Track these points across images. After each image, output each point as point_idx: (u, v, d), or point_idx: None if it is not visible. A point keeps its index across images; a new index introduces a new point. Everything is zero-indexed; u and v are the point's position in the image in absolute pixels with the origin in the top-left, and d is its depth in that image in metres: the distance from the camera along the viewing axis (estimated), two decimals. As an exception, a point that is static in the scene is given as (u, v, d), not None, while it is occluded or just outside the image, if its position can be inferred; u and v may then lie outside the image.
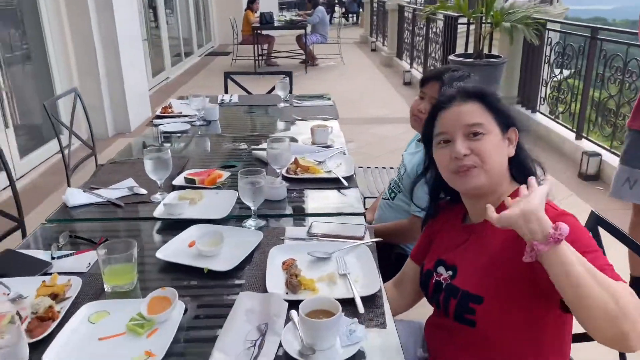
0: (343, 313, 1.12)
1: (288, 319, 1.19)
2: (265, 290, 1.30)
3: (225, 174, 2.08)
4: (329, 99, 3.53)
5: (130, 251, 1.34)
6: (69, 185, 3.15)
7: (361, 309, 1.22)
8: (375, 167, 3.34)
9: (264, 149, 2.22)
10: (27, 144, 4.70)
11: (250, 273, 1.42)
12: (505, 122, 1.27)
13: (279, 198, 1.88)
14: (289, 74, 3.96)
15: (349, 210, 1.82)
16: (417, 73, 8.22)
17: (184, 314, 1.23)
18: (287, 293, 1.30)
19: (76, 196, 1.88)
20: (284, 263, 1.42)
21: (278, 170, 1.99)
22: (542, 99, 5.53)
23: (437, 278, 1.34)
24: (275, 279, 1.35)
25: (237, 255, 1.47)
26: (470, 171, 1.22)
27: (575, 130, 4.83)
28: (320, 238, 1.60)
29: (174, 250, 1.51)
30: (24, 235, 2.47)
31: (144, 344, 1.13)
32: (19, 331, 1.02)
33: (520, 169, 1.28)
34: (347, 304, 1.25)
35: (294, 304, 1.23)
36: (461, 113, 1.25)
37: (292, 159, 2.07)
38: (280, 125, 2.99)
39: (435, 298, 1.34)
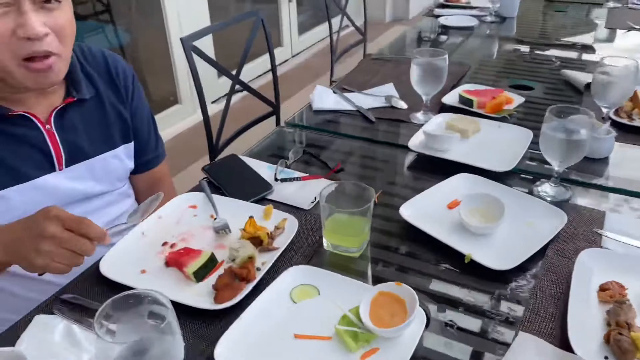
0: None
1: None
2: (563, 337, 0.75)
3: (517, 99, 1.46)
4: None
5: (366, 204, 0.92)
6: (331, 74, 2.93)
7: None
8: None
9: (585, 71, 1.49)
10: (305, 22, 4.66)
11: (539, 283, 0.87)
12: None
13: (600, 156, 1.21)
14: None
15: None
16: None
17: (425, 328, 0.77)
18: (605, 358, 0.72)
19: (324, 98, 1.52)
20: (602, 289, 0.83)
21: (604, 110, 1.28)
22: None
23: None
24: (583, 319, 0.78)
25: (521, 245, 0.93)
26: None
27: None
28: (672, 250, 0.92)
29: (424, 207, 1.04)
30: (277, 121, 2.34)
31: (353, 367, 0.74)
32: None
33: None
34: None
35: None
36: None
37: (631, 93, 1.32)
38: (603, 34, 2.12)
39: None
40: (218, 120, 1.96)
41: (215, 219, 1.03)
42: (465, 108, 1.44)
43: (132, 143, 1.11)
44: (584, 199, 1.09)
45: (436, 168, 1.20)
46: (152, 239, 0.98)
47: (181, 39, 1.80)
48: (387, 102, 1.51)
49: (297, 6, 4.39)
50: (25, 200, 0.92)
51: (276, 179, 1.16)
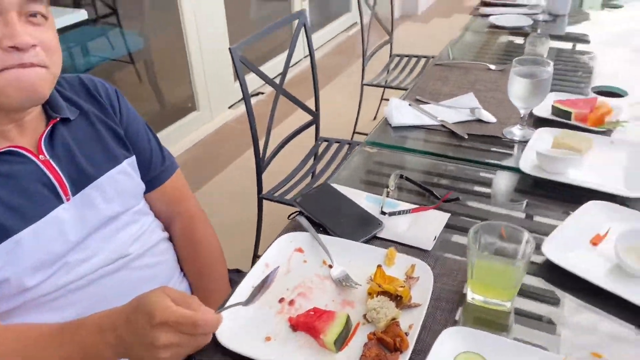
0: None
1: None
2: None
3: (615, 109, 1.33)
4: None
5: (525, 250, 0.79)
6: (363, 77, 2.79)
7: None
8: None
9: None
10: (317, 20, 4.51)
11: None
12: None
13: None
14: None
15: None
16: None
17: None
18: None
19: (402, 112, 1.39)
20: None
21: None
22: None
23: None
24: None
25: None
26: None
27: None
28: None
29: (566, 244, 0.91)
30: (317, 131, 2.20)
31: None
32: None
33: None
34: None
35: None
36: None
37: None
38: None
39: None
40: (238, 128, 1.79)
41: (330, 266, 0.89)
42: (561, 121, 1.31)
43: (134, 156, 1.01)
44: None
45: (554, 193, 1.08)
46: (266, 294, 0.83)
47: (230, 49, 1.65)
48: (473, 115, 1.37)
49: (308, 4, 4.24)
50: (41, 240, 0.82)
51: (383, 213, 1.02)
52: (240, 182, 2.69)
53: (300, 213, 1.03)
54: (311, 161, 2.11)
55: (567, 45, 1.90)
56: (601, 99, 1.37)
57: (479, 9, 2.29)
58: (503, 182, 1.16)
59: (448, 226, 1.00)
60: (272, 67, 3.44)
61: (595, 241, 0.92)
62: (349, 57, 4.19)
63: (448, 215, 1.02)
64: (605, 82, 1.55)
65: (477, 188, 1.14)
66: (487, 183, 1.16)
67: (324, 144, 2.19)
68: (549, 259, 0.88)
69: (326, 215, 1.01)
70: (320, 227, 0.99)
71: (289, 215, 1.06)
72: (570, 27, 2.08)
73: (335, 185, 1.11)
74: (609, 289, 0.81)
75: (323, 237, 0.94)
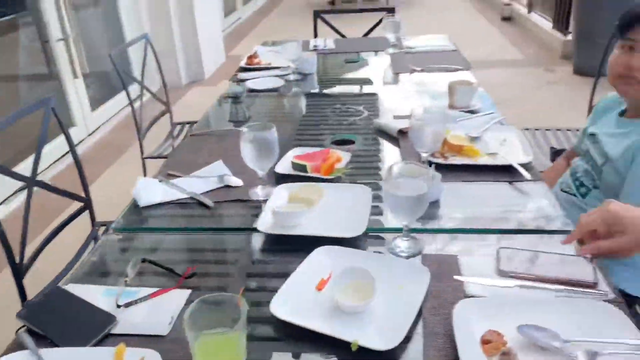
0: None
1: None
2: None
3: (345, 156, 1.50)
4: (448, 40, 2.82)
5: (237, 315, 0.81)
6: (142, 151, 2.72)
7: None
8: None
9: (407, 117, 1.59)
10: (97, 96, 4.32)
11: (427, 351, 0.86)
12: None
13: (433, 199, 1.28)
14: (392, 10, 3.30)
15: (542, 222, 1.20)
16: (521, 7, 7.09)
17: None
18: (513, 418, 0.73)
19: (150, 190, 1.37)
20: (484, 342, 0.85)
21: (423, 155, 1.39)
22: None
23: None
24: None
25: (400, 314, 0.91)
26: None
27: None
28: (527, 282, 1.00)
29: (293, 297, 0.97)
30: (92, 217, 2.06)
31: None
32: None
33: None
34: None
35: None
36: None
37: (444, 135, 1.44)
38: (393, 79, 2.34)
39: None
40: (7, 228, 1.61)
41: (51, 383, 0.81)
42: (300, 174, 1.42)
43: None
44: (431, 246, 1.14)
45: (292, 246, 1.15)
46: None
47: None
48: (221, 182, 1.42)
49: (84, 80, 4.05)
50: None
51: (118, 306, 0.97)
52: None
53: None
54: (90, 250, 1.96)
55: (318, 100, 2.09)
56: (334, 149, 1.54)
57: (237, 74, 2.42)
58: (248, 245, 1.20)
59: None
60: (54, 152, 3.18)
61: (320, 287, 1.00)
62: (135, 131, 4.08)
63: (189, 292, 1.02)
64: (347, 129, 1.75)
65: (224, 256, 1.17)
66: (234, 249, 1.20)
67: (103, 229, 2.06)
68: (274, 314, 0.92)
69: (54, 324, 0.93)
70: (48, 339, 0.91)
71: (17, 331, 0.96)
72: (321, 82, 2.32)
73: (70, 285, 1.04)
74: (323, 332, 0.88)
75: (48, 351, 0.86)
